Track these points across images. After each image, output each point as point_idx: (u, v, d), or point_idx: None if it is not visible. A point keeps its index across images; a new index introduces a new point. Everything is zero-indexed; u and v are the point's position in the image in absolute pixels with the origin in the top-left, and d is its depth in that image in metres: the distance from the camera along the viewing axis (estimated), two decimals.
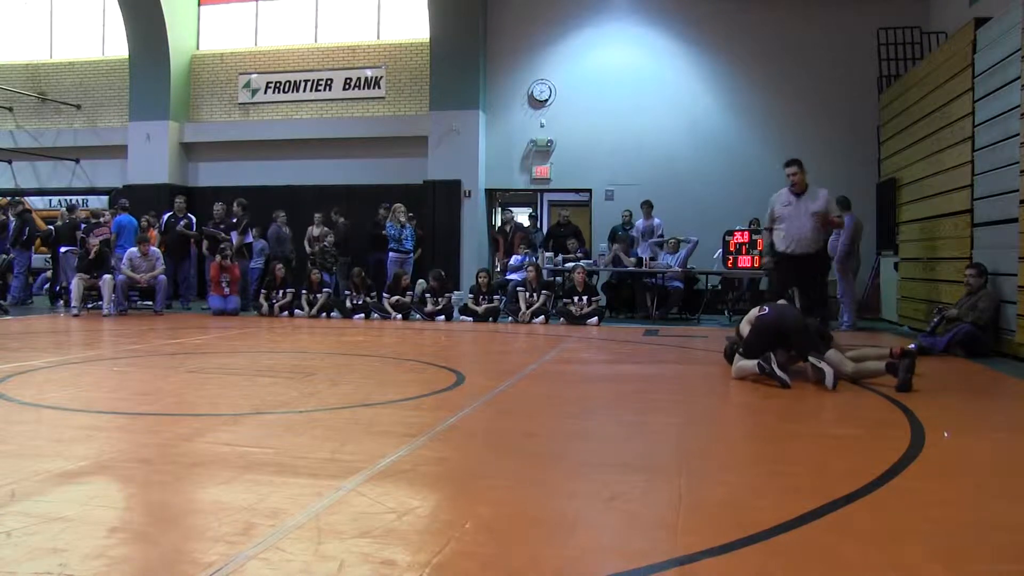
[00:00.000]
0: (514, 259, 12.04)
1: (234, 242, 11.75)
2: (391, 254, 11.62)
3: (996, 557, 2.21)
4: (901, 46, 11.54)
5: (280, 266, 11.20)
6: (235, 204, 12.22)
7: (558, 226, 12.74)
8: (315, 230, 12.39)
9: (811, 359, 5.03)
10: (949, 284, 8.36)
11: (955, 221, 8.31)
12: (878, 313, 11.37)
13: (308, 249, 12.24)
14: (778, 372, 4.87)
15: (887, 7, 12.03)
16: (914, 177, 9.72)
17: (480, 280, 10.73)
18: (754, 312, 5.53)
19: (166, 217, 12.38)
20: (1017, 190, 6.71)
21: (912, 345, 7.19)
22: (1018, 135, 6.70)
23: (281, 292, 11.01)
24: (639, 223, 12.02)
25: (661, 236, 11.81)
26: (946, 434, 3.72)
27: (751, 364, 5.13)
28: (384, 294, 10.82)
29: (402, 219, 11.63)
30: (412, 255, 11.86)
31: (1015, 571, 2.13)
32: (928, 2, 12.02)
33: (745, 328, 5.52)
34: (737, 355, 5.41)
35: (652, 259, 11.13)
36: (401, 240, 11.60)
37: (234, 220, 12.02)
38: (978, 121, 7.70)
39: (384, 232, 11.76)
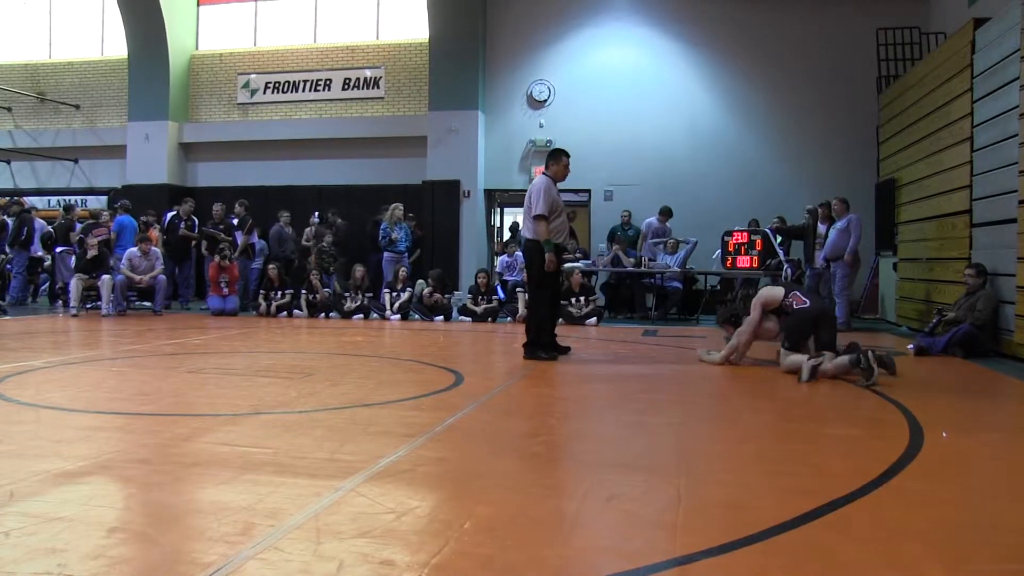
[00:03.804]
0: (504, 258, 11.99)
1: (239, 242, 11.73)
2: (386, 254, 11.58)
3: (996, 557, 2.21)
4: (901, 46, 11.54)
5: (273, 267, 11.15)
6: (237, 204, 12.19)
7: None
8: (308, 231, 12.44)
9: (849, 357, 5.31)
10: (948, 284, 8.36)
11: (954, 221, 8.31)
12: (877, 313, 11.38)
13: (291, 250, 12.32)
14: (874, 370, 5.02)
15: (887, 7, 12.03)
16: (913, 177, 9.73)
17: (479, 280, 10.73)
18: (770, 293, 5.83)
19: (169, 216, 12.33)
20: (1016, 190, 6.72)
21: (910, 346, 7.21)
22: (1017, 135, 6.71)
23: (279, 293, 10.99)
24: (652, 220, 11.89)
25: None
26: (944, 434, 3.73)
27: (801, 359, 5.35)
28: (383, 290, 10.82)
29: (394, 219, 11.55)
30: (406, 256, 11.73)
31: (1015, 571, 2.13)
32: (928, 2, 12.03)
33: (756, 307, 5.84)
34: (783, 350, 5.66)
35: (651, 259, 11.14)
36: (394, 241, 11.55)
37: (235, 220, 11.99)
38: (977, 121, 7.70)
39: (381, 233, 11.72)
